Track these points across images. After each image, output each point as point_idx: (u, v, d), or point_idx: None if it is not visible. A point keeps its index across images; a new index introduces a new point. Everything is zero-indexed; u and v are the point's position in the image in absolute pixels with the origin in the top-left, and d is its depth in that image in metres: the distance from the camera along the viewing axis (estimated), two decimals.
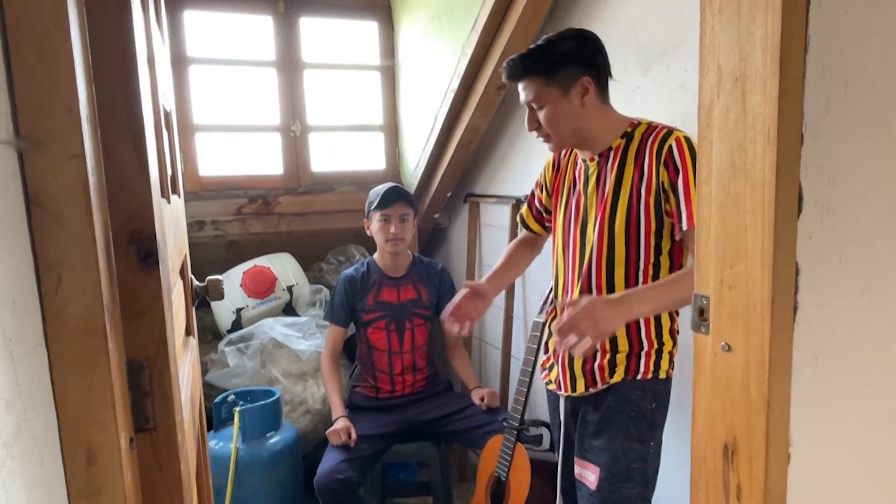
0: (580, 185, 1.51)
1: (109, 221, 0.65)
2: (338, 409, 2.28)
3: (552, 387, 1.60)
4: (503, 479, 1.88)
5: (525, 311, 2.58)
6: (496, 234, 2.69)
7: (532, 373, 1.87)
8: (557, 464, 1.90)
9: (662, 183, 1.35)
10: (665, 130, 1.38)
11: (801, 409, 0.77)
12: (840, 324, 0.78)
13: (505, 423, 1.90)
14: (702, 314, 0.85)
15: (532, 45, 1.41)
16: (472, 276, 2.85)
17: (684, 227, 1.34)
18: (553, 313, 1.83)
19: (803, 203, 0.73)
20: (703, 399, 0.86)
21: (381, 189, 2.36)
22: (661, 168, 1.35)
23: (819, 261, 0.75)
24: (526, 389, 1.87)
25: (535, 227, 1.78)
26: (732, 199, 0.78)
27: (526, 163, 2.44)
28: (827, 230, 0.75)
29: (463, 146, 2.67)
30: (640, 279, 1.41)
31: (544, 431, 2.04)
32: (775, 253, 0.73)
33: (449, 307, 1.62)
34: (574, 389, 1.51)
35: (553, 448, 2.13)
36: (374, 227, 2.35)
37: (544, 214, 1.74)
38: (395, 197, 2.29)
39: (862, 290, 0.78)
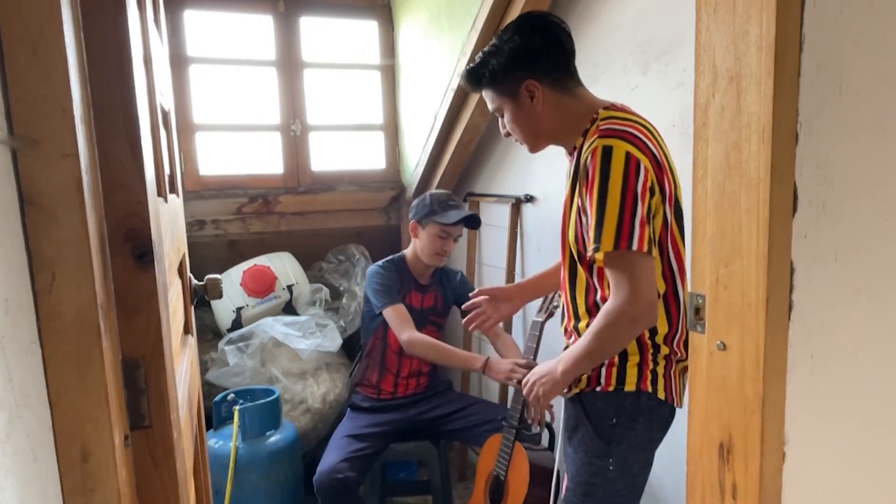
0: (566, 180, 1.43)
1: (104, 220, 0.65)
2: (475, 356, 2.13)
3: None
4: (502, 479, 1.88)
5: (525, 310, 2.57)
6: (496, 233, 2.70)
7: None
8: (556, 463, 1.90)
9: (584, 199, 1.23)
10: (595, 136, 1.22)
11: (796, 407, 0.77)
12: (835, 323, 0.78)
13: (504, 423, 1.90)
14: (697, 313, 0.85)
15: (479, 55, 1.37)
16: (472, 275, 2.85)
17: (587, 256, 1.23)
18: (550, 312, 1.83)
19: (798, 202, 0.74)
20: (698, 398, 0.86)
21: (444, 198, 2.27)
22: (581, 183, 1.23)
23: (814, 260, 0.75)
24: None
25: None
26: (728, 198, 0.78)
27: (525, 162, 2.44)
28: (822, 229, 0.75)
29: (463, 145, 2.68)
30: (599, 303, 1.32)
31: (544, 430, 2.05)
32: (770, 252, 0.73)
33: (469, 316, 1.68)
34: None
35: (552, 447, 2.13)
36: (425, 234, 2.27)
37: None
38: (465, 220, 2.24)
39: (857, 288, 0.78)
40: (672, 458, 1.77)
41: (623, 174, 1.17)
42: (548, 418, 2.06)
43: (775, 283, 0.74)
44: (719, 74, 0.77)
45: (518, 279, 2.59)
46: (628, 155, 1.18)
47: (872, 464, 0.83)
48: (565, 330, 1.46)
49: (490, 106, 1.41)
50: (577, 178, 1.27)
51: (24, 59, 0.53)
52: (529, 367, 1.90)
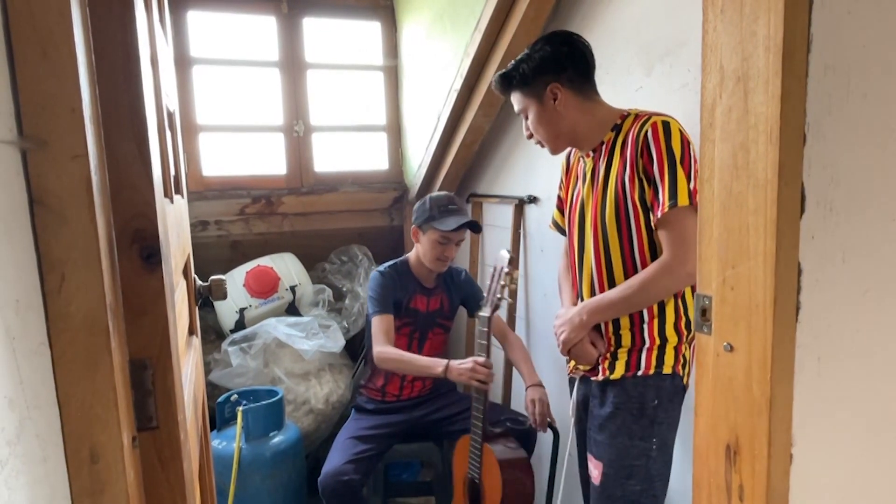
0: (580, 182, 1.54)
1: (112, 221, 0.65)
2: (435, 362, 2.08)
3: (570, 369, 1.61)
4: (476, 481, 1.88)
5: (528, 310, 2.58)
6: (499, 233, 2.69)
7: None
8: (528, 459, 1.91)
9: (642, 172, 1.37)
10: (645, 117, 1.38)
11: (803, 409, 0.77)
12: (843, 324, 0.78)
13: (471, 424, 1.90)
14: (704, 314, 0.85)
15: (511, 62, 1.51)
16: (475, 275, 2.85)
17: (658, 215, 1.35)
18: (496, 305, 1.86)
19: (806, 203, 0.73)
20: (705, 399, 0.86)
21: (443, 203, 2.22)
22: (639, 157, 1.36)
23: (822, 261, 0.75)
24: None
25: (565, 226, 1.72)
26: (735, 199, 0.78)
27: (529, 163, 2.44)
28: (830, 230, 0.75)
29: (466, 146, 2.68)
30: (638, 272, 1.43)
31: (546, 431, 2.04)
32: (778, 253, 0.73)
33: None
34: (591, 371, 1.53)
35: (556, 448, 2.13)
36: (426, 240, 2.23)
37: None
38: (465, 226, 2.20)
39: (865, 290, 0.78)
40: (679, 457, 1.77)
41: (681, 144, 1.34)
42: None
43: (783, 284, 0.73)
44: (726, 75, 0.77)
45: (521, 279, 2.59)
46: (681, 130, 1.36)
47: (880, 466, 0.83)
48: None
49: (516, 108, 1.56)
50: (614, 155, 1.42)
51: (34, 59, 0.53)
52: (488, 366, 1.92)
